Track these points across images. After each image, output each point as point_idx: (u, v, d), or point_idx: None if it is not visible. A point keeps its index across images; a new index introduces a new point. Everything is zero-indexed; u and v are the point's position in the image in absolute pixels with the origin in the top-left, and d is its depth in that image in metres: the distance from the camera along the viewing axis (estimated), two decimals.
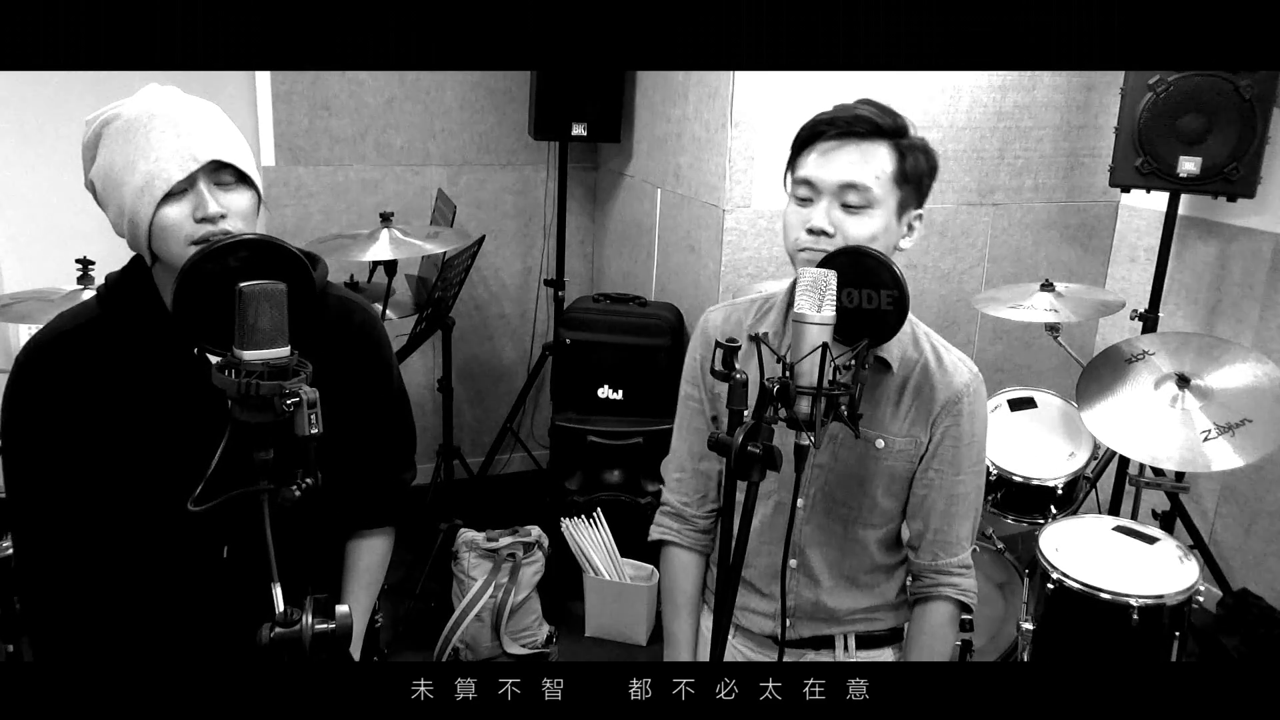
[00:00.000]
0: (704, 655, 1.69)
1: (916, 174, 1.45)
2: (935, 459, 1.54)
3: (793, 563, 1.59)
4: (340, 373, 1.45)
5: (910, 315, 1.53)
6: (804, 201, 1.44)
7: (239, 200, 1.33)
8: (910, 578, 1.62)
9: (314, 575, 1.48)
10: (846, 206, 1.41)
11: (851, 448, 1.53)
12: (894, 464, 1.53)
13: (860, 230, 1.40)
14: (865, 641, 1.64)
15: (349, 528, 1.63)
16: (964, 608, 1.58)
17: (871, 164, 1.41)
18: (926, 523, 1.56)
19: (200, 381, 1.28)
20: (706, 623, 1.70)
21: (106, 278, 1.44)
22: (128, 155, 1.29)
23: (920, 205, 1.48)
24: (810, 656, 1.64)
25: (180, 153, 1.28)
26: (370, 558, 1.64)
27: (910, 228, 1.48)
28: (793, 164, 1.48)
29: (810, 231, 1.41)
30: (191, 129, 1.29)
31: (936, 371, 1.52)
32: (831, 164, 1.41)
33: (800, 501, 1.56)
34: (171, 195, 1.28)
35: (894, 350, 1.51)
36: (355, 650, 1.57)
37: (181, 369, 1.36)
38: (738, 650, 1.68)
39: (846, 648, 1.63)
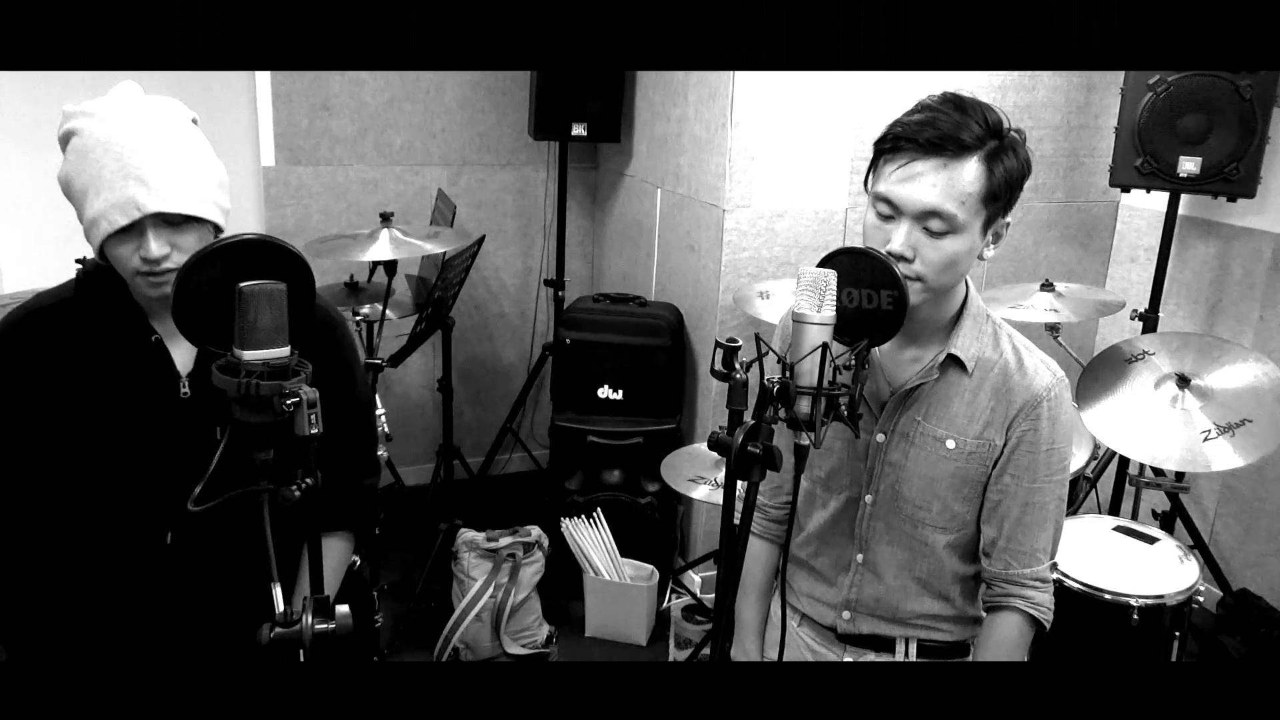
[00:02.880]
0: (771, 639, 1.69)
1: (1007, 184, 1.36)
2: (1011, 464, 1.47)
3: (859, 557, 1.57)
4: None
5: (992, 314, 1.52)
6: (885, 218, 1.37)
7: (188, 238, 1.37)
8: (984, 587, 1.55)
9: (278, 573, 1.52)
10: (929, 231, 1.34)
11: (922, 447, 1.49)
12: (965, 466, 1.48)
13: (940, 255, 1.35)
14: (928, 651, 1.59)
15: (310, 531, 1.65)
16: (1037, 624, 1.51)
17: (957, 186, 1.32)
18: (1000, 529, 1.50)
19: (158, 369, 1.41)
20: (776, 608, 1.70)
21: (87, 262, 1.50)
22: (83, 182, 1.34)
23: (1009, 213, 1.40)
24: (870, 657, 1.61)
25: (126, 201, 1.32)
26: (328, 561, 1.65)
27: (996, 236, 1.41)
28: (874, 170, 1.40)
29: (889, 255, 1.33)
30: (142, 172, 1.32)
31: (1016, 373, 1.46)
32: (914, 186, 1.33)
33: (868, 497, 1.54)
34: (117, 234, 1.34)
35: (970, 349, 1.46)
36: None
37: (141, 356, 1.44)
38: (802, 640, 1.68)
39: (907, 654, 1.59)
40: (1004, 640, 1.51)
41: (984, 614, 1.57)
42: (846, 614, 1.60)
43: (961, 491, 1.50)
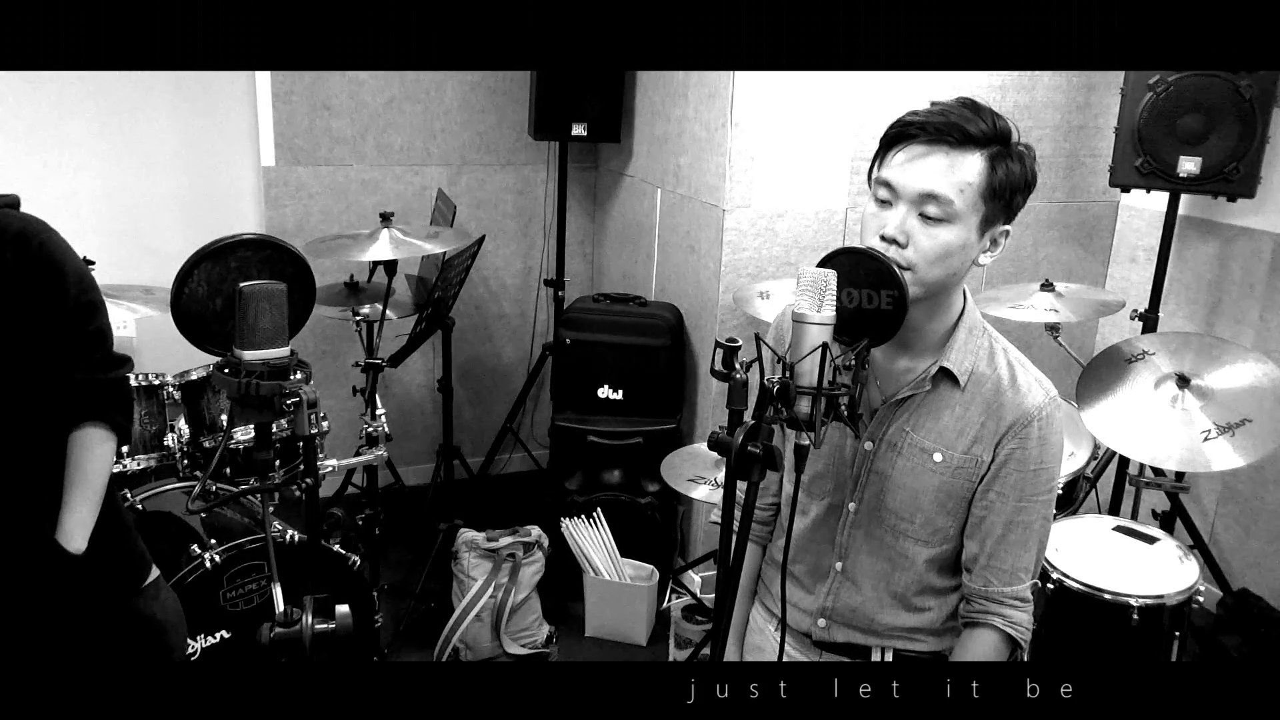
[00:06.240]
0: (750, 643, 1.69)
1: (1007, 188, 1.36)
2: (997, 482, 1.46)
3: (838, 565, 1.56)
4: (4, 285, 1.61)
5: (990, 329, 1.51)
6: (883, 204, 1.38)
7: None
8: (963, 601, 1.54)
9: (33, 476, 1.69)
10: (925, 216, 1.34)
11: (909, 458, 1.48)
12: (950, 480, 1.47)
13: (932, 244, 1.34)
14: (904, 662, 1.58)
15: (63, 429, 1.73)
16: (1013, 643, 1.49)
17: (958, 174, 1.33)
18: (982, 546, 1.48)
19: None
20: (757, 612, 1.70)
21: None
22: None
23: (1009, 220, 1.40)
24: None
25: None
26: (80, 453, 1.72)
27: (994, 242, 1.41)
28: (878, 161, 1.40)
29: (883, 238, 1.35)
30: None
31: (1009, 390, 1.45)
32: (915, 170, 1.34)
33: (851, 505, 1.53)
34: None
35: (964, 363, 1.45)
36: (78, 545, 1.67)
37: None
38: (776, 644, 1.65)
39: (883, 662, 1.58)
40: (978, 656, 1.49)
41: (961, 627, 1.55)
42: (822, 621, 1.59)
43: (946, 505, 1.49)
